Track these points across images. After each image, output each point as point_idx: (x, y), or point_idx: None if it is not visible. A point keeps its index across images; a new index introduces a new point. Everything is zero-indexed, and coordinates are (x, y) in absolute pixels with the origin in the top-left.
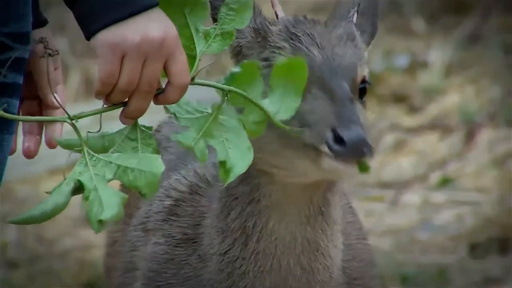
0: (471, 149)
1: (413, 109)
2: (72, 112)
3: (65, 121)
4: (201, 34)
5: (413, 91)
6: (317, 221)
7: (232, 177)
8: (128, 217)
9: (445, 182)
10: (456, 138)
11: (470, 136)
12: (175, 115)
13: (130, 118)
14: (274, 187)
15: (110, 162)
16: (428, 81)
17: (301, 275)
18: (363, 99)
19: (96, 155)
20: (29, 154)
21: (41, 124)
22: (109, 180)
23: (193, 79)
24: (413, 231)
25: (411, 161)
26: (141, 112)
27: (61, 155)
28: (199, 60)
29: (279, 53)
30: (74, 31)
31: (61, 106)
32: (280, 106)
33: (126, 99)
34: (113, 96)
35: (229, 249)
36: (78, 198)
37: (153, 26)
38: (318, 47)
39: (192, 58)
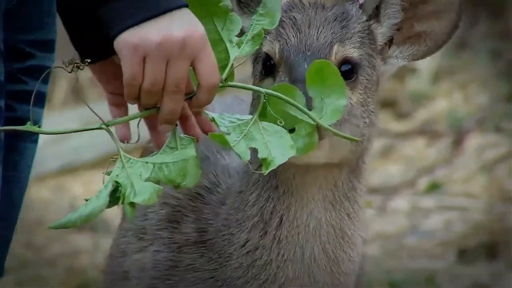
0: (459, 155)
1: (401, 115)
2: (61, 119)
3: (100, 128)
4: (235, 44)
5: (402, 96)
6: (343, 206)
7: (271, 167)
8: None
9: (434, 188)
10: (445, 144)
11: (458, 142)
12: (215, 121)
13: (165, 122)
14: (291, 173)
15: (146, 162)
16: (417, 87)
17: (326, 264)
18: (351, 79)
19: (132, 158)
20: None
21: (127, 111)
22: (146, 179)
23: (226, 80)
24: (401, 236)
25: (399, 166)
26: (174, 114)
27: (51, 161)
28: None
29: (265, 36)
30: (62, 38)
31: (95, 113)
32: (323, 111)
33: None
34: (142, 99)
35: (248, 240)
36: (65, 204)
37: (175, 25)
38: (294, 30)
39: (225, 66)
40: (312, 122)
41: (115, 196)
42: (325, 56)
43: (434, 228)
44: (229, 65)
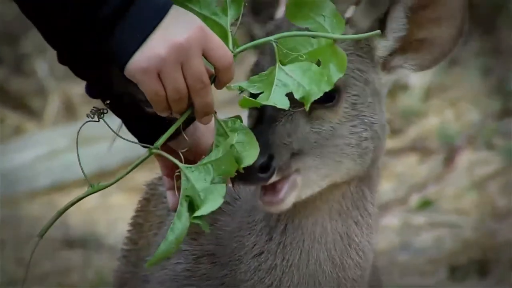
0: (450, 171)
1: (393, 132)
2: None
3: (151, 154)
4: (220, 14)
5: (393, 113)
6: (351, 215)
7: (312, 100)
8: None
9: (425, 205)
10: (436, 161)
11: (449, 158)
12: (243, 88)
13: (204, 115)
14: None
15: (205, 164)
16: (408, 103)
17: (332, 270)
18: (331, 103)
19: (191, 166)
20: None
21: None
22: (211, 182)
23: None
24: (392, 253)
25: (391, 183)
26: (209, 106)
27: (42, 178)
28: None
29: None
30: (54, 55)
31: (131, 141)
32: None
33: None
34: (174, 107)
35: (255, 243)
36: (58, 219)
37: (174, 31)
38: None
39: (225, 36)
40: (330, 38)
41: (193, 209)
42: None
43: (425, 245)
44: (229, 35)
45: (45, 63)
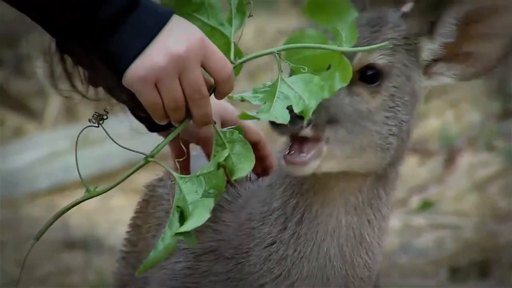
0: (451, 173)
1: None
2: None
3: (147, 162)
4: (226, 24)
5: None
6: (365, 212)
7: (309, 114)
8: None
9: (426, 206)
10: (436, 162)
11: (450, 160)
12: (245, 99)
13: (203, 125)
14: (325, 178)
15: (197, 176)
16: None
17: (342, 266)
18: (374, 84)
19: (186, 176)
20: None
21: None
22: (202, 194)
23: (235, 60)
24: (393, 255)
25: None
26: (208, 116)
27: (42, 180)
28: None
29: None
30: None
31: (129, 149)
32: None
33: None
34: (172, 116)
35: (269, 233)
36: (56, 222)
37: (172, 41)
38: None
39: (228, 48)
40: (337, 51)
41: (183, 221)
42: (348, 58)
43: (426, 246)
44: (232, 45)
45: (45, 65)
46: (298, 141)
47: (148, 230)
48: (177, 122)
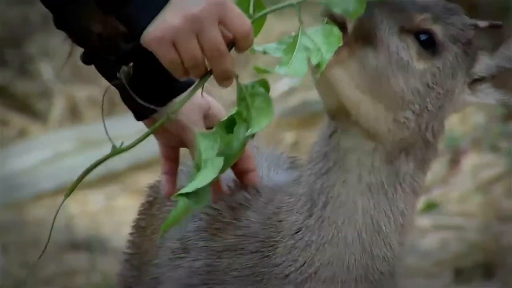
0: (455, 174)
1: None
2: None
3: (170, 118)
4: None
5: None
6: (380, 199)
7: (323, 66)
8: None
9: (430, 207)
10: (441, 164)
11: (454, 161)
12: (265, 52)
13: (223, 80)
14: (337, 138)
15: (214, 134)
16: None
17: (361, 255)
18: (428, 50)
19: (204, 133)
20: (169, 194)
21: (177, 165)
22: (218, 152)
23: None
24: None
25: None
26: (228, 73)
27: (47, 181)
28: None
29: None
30: (59, 57)
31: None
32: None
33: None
34: (192, 73)
35: (295, 221)
36: (61, 223)
37: (188, 1)
38: None
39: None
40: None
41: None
42: (415, 11)
43: (430, 247)
44: (251, 4)
45: (49, 65)
46: None
47: (154, 231)
48: (198, 77)
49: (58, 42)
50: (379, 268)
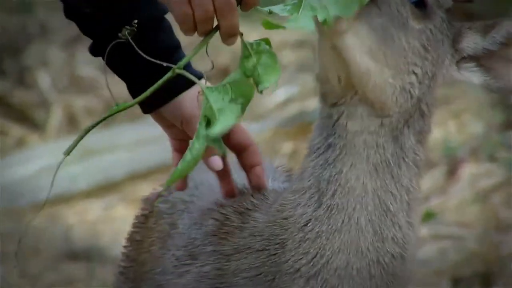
0: (453, 183)
1: None
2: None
3: (175, 73)
4: None
5: None
6: (386, 178)
7: (330, 23)
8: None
9: (428, 217)
10: (439, 173)
11: (452, 171)
12: (271, 12)
13: (229, 37)
14: (344, 119)
15: (224, 85)
16: None
17: (373, 238)
18: (419, 9)
19: (212, 86)
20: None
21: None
22: (230, 101)
23: None
24: None
25: None
26: (235, 28)
27: (45, 189)
28: None
29: None
30: (57, 67)
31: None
32: None
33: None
34: (200, 28)
35: (303, 213)
36: (60, 232)
37: None
38: None
39: None
40: None
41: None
42: None
43: (428, 256)
44: None
45: (47, 75)
46: None
47: (152, 244)
48: (204, 34)
49: (56, 52)
50: (389, 250)
